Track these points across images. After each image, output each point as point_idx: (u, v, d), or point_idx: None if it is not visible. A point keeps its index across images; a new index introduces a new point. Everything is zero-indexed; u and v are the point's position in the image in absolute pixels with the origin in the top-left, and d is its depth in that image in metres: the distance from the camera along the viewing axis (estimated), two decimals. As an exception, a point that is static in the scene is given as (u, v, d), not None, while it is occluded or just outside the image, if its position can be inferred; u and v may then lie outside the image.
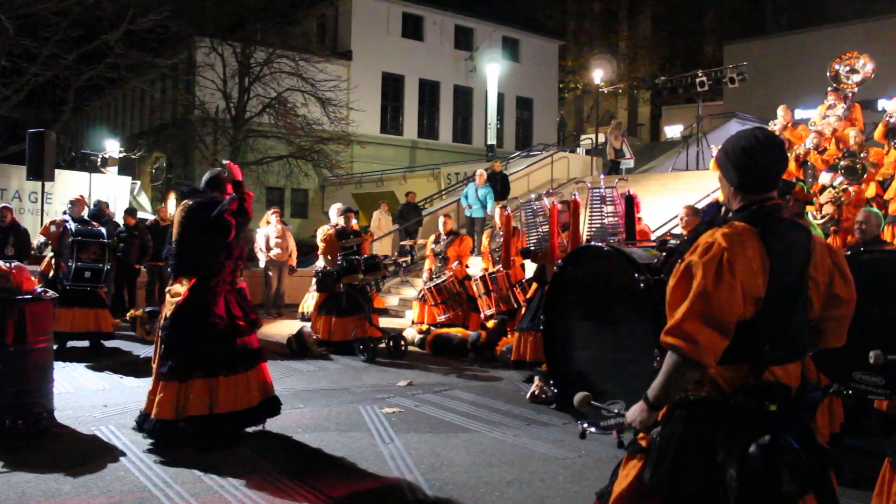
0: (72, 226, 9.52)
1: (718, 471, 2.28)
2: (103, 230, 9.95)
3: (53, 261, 9.60)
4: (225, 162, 6.13)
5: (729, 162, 2.53)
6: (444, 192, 24.10)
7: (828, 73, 12.03)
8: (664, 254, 3.72)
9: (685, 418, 2.38)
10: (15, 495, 4.56)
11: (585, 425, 3.84)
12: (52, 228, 9.61)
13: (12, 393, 5.63)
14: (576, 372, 3.96)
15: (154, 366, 5.75)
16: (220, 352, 5.68)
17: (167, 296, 5.82)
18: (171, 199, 22.08)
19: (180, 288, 5.70)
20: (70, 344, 9.48)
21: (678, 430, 2.38)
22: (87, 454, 5.43)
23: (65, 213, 9.98)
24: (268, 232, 14.04)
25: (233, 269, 5.97)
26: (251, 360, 5.88)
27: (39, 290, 6.21)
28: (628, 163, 21.56)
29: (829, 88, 11.98)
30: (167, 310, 5.74)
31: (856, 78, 11.71)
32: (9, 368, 5.63)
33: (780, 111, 12.31)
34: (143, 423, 5.63)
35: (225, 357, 5.69)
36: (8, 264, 5.99)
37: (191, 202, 5.88)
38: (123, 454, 5.41)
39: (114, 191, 19.47)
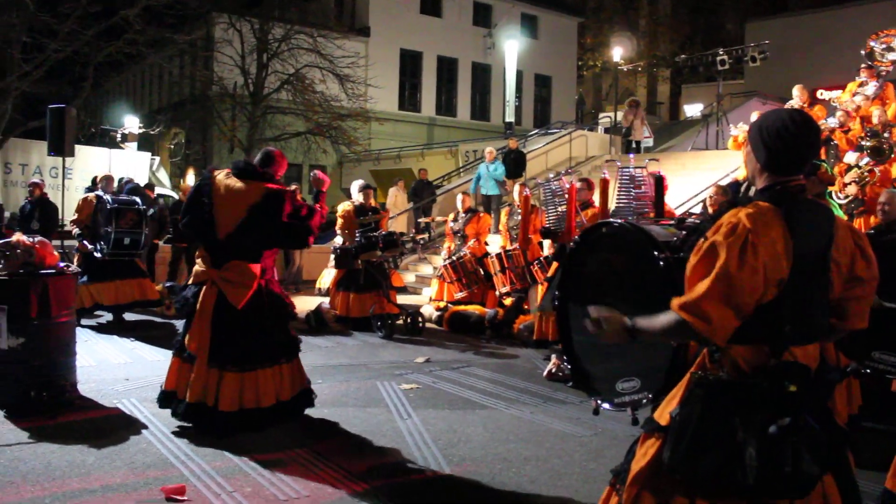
0: (107, 196, 9.62)
1: (738, 450, 2.29)
2: (138, 199, 10.08)
3: (79, 241, 9.78)
4: (316, 172, 6.19)
5: (761, 140, 2.49)
6: (461, 170, 24.06)
7: (862, 51, 11.87)
8: (683, 232, 3.72)
9: (704, 398, 2.39)
10: (41, 465, 4.64)
11: (599, 401, 3.85)
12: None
13: (37, 366, 5.72)
14: (589, 350, 3.96)
15: (196, 350, 5.38)
16: (276, 340, 5.62)
17: (217, 279, 5.40)
18: (190, 175, 22.17)
19: (237, 275, 5.38)
20: (92, 319, 9.62)
21: (698, 409, 2.38)
22: (110, 427, 5.52)
23: (90, 188, 10.14)
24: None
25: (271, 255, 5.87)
26: (297, 346, 5.86)
27: (63, 265, 6.28)
28: (647, 142, 21.42)
29: (863, 65, 11.81)
30: (229, 296, 5.37)
31: (891, 56, 11.55)
32: (33, 342, 5.72)
33: (796, 91, 12.15)
34: (201, 416, 5.34)
35: (285, 344, 5.68)
36: (31, 239, 6.06)
37: (267, 187, 5.45)
38: (145, 427, 5.49)
39: (133, 166, 19.59)
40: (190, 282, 5.71)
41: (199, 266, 5.60)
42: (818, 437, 2.29)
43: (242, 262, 5.42)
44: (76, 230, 9.80)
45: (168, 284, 11.30)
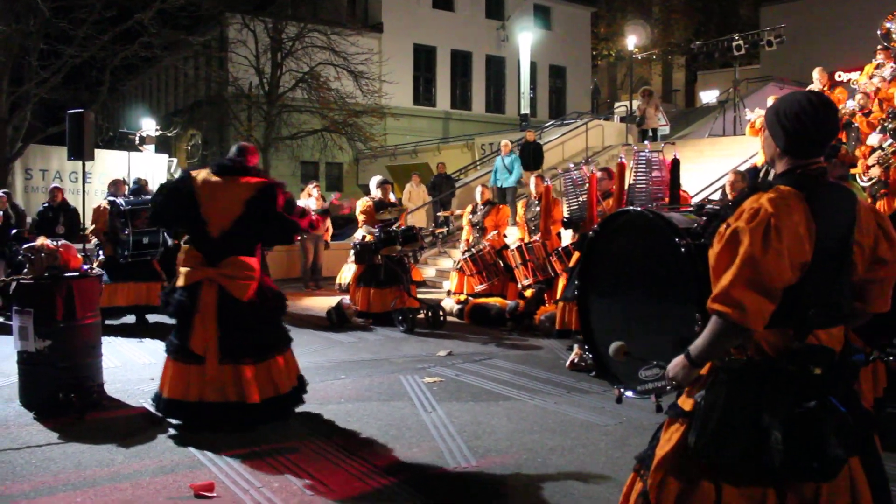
0: (120, 200, 9.71)
1: (763, 434, 2.28)
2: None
3: (100, 246, 9.90)
4: (334, 200, 6.34)
5: (779, 124, 2.47)
6: (478, 163, 24.04)
7: (878, 32, 11.75)
8: (704, 218, 3.70)
9: (729, 382, 2.38)
10: (71, 465, 4.70)
11: (622, 389, 3.84)
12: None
13: (64, 368, 5.79)
14: (610, 339, 3.93)
15: (207, 349, 5.38)
16: (278, 332, 5.77)
17: (215, 276, 5.42)
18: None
19: (236, 270, 5.42)
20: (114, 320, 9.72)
21: (723, 394, 2.38)
22: (138, 426, 5.58)
23: (107, 195, 10.26)
24: (307, 204, 14.12)
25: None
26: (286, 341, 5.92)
27: (87, 267, 6.35)
28: (663, 129, 21.29)
29: (879, 47, 11.70)
30: (233, 292, 5.41)
31: (907, 37, 11.44)
32: (60, 344, 5.79)
33: (816, 74, 12.07)
34: (227, 414, 5.37)
35: (280, 338, 5.78)
36: (55, 242, 6.13)
37: (264, 182, 5.56)
38: (171, 425, 5.53)
39: (152, 169, 19.69)
40: (179, 284, 5.58)
41: (186, 268, 5.55)
42: (844, 420, 2.28)
43: (240, 258, 5.48)
44: (94, 240, 9.92)
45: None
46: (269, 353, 5.55)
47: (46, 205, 12.12)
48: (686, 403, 2.55)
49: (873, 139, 9.76)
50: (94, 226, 9.96)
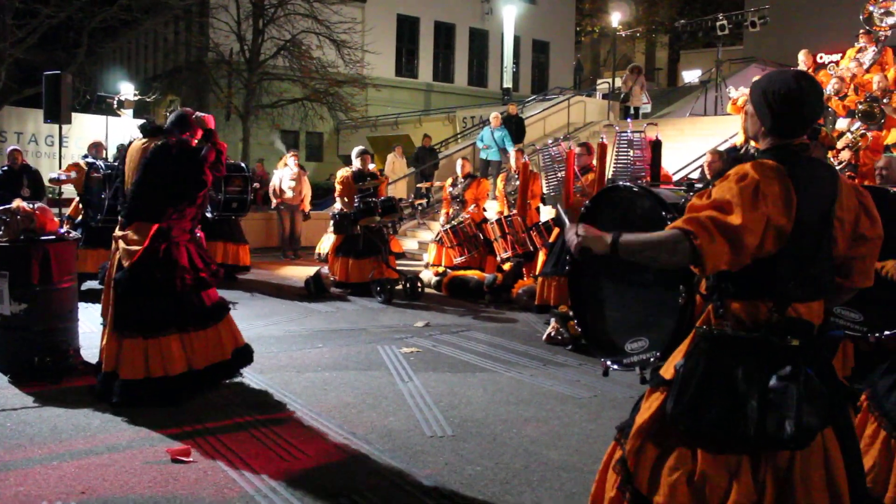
0: (99, 162, 9.48)
1: (740, 402, 2.33)
2: (243, 164, 11.62)
3: (80, 204, 9.72)
4: (200, 114, 5.65)
5: (766, 103, 2.49)
6: (459, 136, 23.98)
7: (861, 16, 11.79)
8: (691, 193, 3.74)
9: (708, 351, 2.43)
10: (47, 429, 4.69)
11: (609, 362, 3.89)
12: (73, 174, 9.62)
13: (40, 332, 5.75)
14: (600, 312, 3.99)
15: (108, 320, 5.35)
16: (189, 306, 5.36)
17: (119, 242, 5.35)
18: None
19: (135, 236, 5.28)
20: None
21: (701, 362, 2.42)
22: (114, 390, 5.56)
23: (85, 156, 10.08)
24: (283, 174, 14.06)
25: (193, 217, 5.59)
26: (219, 312, 5.58)
27: (63, 230, 6.29)
28: (646, 108, 21.32)
29: (861, 31, 11.75)
30: (122, 259, 5.29)
31: (890, 21, 11.47)
32: (36, 307, 5.74)
33: (802, 56, 12.12)
34: (110, 384, 5.22)
35: (194, 311, 5.38)
36: (31, 205, 6.05)
37: (158, 142, 5.43)
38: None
39: (129, 134, 19.46)
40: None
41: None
42: (819, 390, 2.33)
43: (142, 223, 5.32)
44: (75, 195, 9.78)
45: None
46: (165, 328, 5.23)
47: (6, 167, 11.84)
48: (667, 373, 2.59)
49: (842, 123, 9.86)
50: (60, 175, 9.76)
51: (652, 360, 3.03)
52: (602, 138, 7.47)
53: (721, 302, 2.50)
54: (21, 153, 12.15)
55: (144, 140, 5.53)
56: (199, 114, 5.63)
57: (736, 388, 2.34)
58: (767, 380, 2.31)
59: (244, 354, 5.71)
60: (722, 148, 10.39)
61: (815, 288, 2.47)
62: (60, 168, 11.86)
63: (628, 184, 4.31)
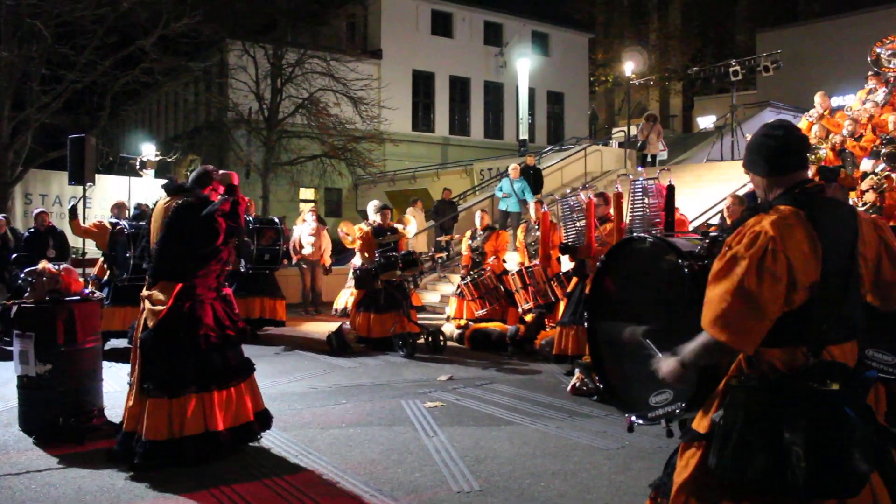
0: (123, 223, 9.61)
1: (785, 451, 2.28)
2: (276, 218, 11.82)
3: (105, 263, 9.85)
4: (225, 172, 5.69)
5: (755, 154, 2.63)
6: (477, 188, 24.11)
7: (869, 58, 11.86)
8: (707, 241, 3.72)
9: (747, 401, 2.39)
10: (72, 491, 4.68)
11: (633, 418, 3.83)
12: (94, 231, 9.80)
13: (64, 392, 5.77)
14: (620, 368, 3.91)
15: (133, 380, 5.32)
16: (212, 364, 5.32)
17: (145, 302, 5.36)
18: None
19: (161, 295, 5.28)
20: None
21: (741, 412, 2.39)
22: (138, 450, 5.53)
23: (109, 219, 10.26)
24: (302, 230, 14.14)
25: (218, 275, 5.57)
26: (244, 371, 5.56)
27: (88, 291, 6.35)
28: (662, 155, 21.39)
29: (870, 73, 11.81)
30: (148, 319, 5.30)
31: (897, 61, 11.54)
32: (60, 368, 5.77)
33: (818, 98, 12.16)
34: (132, 445, 5.14)
35: (218, 370, 5.34)
36: (57, 266, 6.13)
37: (179, 201, 5.44)
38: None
39: (152, 194, 19.73)
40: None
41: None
42: (864, 434, 2.28)
43: (167, 282, 5.33)
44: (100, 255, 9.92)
45: None
46: (183, 387, 5.18)
47: (33, 230, 12.04)
48: (701, 426, 2.55)
49: (866, 164, 9.83)
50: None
51: (677, 411, 2.98)
52: (617, 187, 7.48)
53: (755, 351, 2.47)
54: (48, 215, 12.38)
55: (168, 199, 5.56)
56: (222, 171, 5.67)
57: (779, 436, 2.30)
58: (811, 426, 2.27)
59: (264, 418, 5.68)
60: (741, 192, 10.37)
61: (847, 329, 2.45)
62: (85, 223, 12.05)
63: (643, 235, 4.31)
